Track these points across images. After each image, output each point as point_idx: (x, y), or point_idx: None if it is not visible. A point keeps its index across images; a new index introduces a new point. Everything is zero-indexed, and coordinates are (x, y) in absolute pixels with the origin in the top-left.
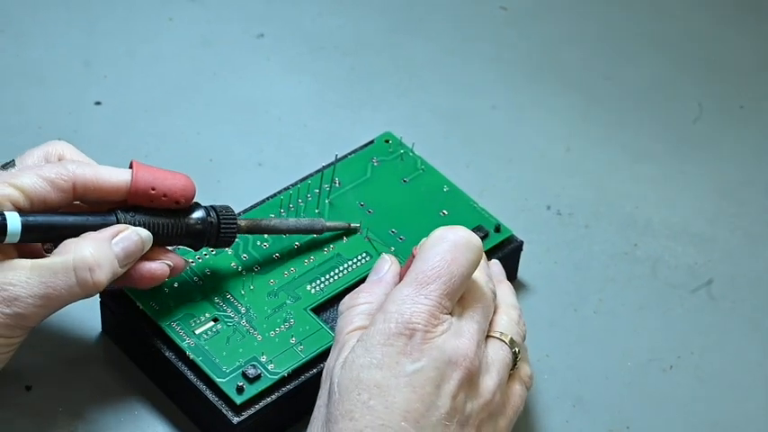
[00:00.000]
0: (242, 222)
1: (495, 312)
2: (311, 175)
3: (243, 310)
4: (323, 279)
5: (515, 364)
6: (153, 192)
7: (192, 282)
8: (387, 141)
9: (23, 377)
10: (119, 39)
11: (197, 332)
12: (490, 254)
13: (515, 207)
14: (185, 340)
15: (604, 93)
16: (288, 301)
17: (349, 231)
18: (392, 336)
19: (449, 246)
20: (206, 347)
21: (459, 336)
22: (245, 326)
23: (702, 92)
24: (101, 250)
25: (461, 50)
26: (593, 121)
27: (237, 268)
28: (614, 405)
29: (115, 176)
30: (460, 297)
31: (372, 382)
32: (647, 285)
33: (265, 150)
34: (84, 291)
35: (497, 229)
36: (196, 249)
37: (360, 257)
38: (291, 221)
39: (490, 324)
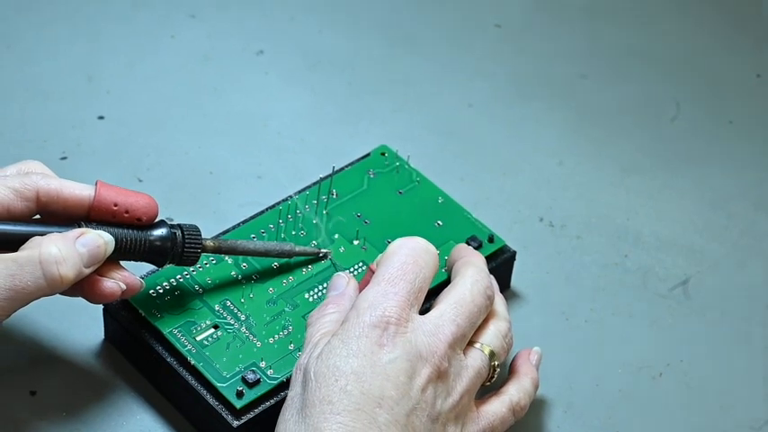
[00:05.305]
0: (208, 243)
1: (485, 322)
2: (309, 186)
3: (242, 317)
4: (320, 287)
5: (492, 377)
6: (115, 207)
7: (194, 290)
8: (383, 154)
9: (28, 382)
10: (121, 55)
11: (198, 339)
12: None
13: (509, 219)
14: (186, 346)
15: (596, 108)
16: (286, 309)
17: (318, 258)
18: (367, 327)
19: (409, 251)
20: (207, 353)
21: (433, 334)
22: (244, 332)
23: (693, 107)
24: (66, 247)
25: (456, 66)
26: (585, 136)
27: (237, 277)
28: (604, 411)
29: (78, 190)
30: (443, 299)
31: (350, 369)
32: (637, 295)
33: (264, 163)
34: (50, 285)
35: (491, 239)
36: (160, 266)
37: (356, 266)
38: (260, 244)
39: (477, 332)
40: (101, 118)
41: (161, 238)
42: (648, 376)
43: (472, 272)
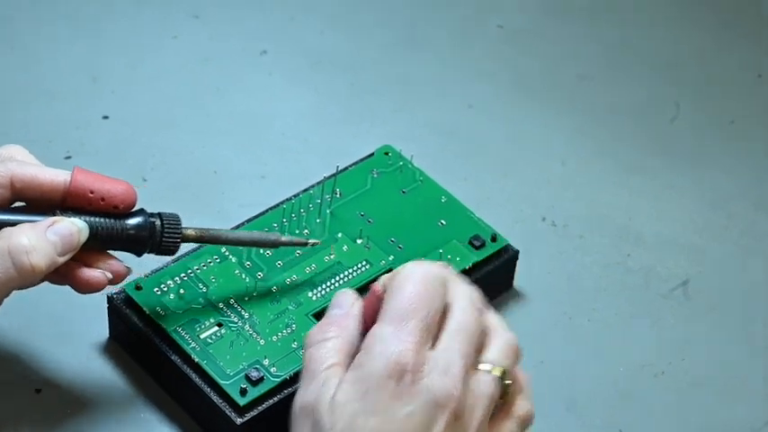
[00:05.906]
0: (189, 231)
1: (488, 337)
2: (313, 185)
3: (246, 315)
4: (324, 286)
5: (506, 395)
6: (91, 194)
7: (197, 288)
8: (386, 154)
9: (33, 380)
10: (125, 55)
11: (202, 336)
12: (487, 263)
13: (511, 218)
14: (191, 344)
15: (598, 108)
16: (290, 307)
17: (307, 246)
18: (382, 378)
19: (420, 279)
20: (210, 351)
21: (446, 373)
22: (248, 330)
23: (693, 107)
24: (37, 236)
25: (459, 67)
26: (587, 136)
27: (241, 275)
28: (606, 410)
29: (54, 176)
30: (445, 327)
31: (367, 428)
32: (639, 295)
33: (268, 163)
34: (21, 275)
35: (494, 238)
36: (138, 255)
37: (359, 265)
38: (243, 233)
39: (482, 351)
40: (105, 118)
41: (137, 226)
42: (650, 375)
43: (460, 293)
